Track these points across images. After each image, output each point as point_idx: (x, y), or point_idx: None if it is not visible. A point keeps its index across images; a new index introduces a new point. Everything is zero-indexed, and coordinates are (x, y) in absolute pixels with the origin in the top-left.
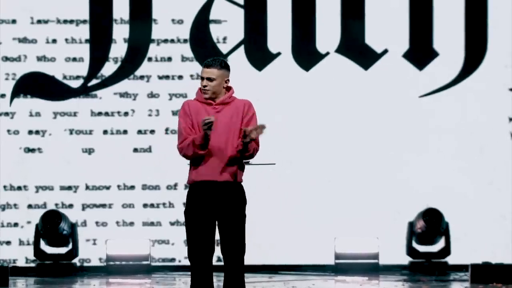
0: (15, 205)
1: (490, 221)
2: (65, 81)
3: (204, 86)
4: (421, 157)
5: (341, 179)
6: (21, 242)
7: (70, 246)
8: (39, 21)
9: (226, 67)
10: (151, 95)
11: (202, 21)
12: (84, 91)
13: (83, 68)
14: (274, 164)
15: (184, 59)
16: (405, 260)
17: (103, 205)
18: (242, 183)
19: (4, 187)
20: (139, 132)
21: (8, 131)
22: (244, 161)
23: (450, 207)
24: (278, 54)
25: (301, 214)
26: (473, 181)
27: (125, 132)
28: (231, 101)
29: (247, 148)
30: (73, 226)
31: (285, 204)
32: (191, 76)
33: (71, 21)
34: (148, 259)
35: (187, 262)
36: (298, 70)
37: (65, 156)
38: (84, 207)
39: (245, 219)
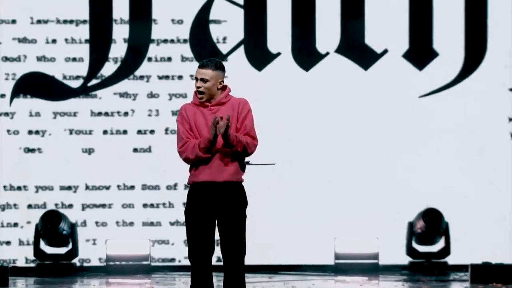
0: (15, 205)
1: (490, 221)
2: (65, 81)
3: (198, 87)
4: (421, 157)
5: (341, 179)
6: (21, 242)
7: (70, 246)
8: (39, 21)
9: (221, 68)
10: (151, 95)
11: (202, 21)
12: (84, 91)
13: (83, 68)
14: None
15: (184, 59)
16: (405, 260)
17: (103, 205)
18: (242, 183)
19: (4, 187)
20: (139, 132)
21: (8, 131)
22: (244, 161)
23: (450, 207)
24: (278, 54)
25: (301, 214)
26: (473, 181)
27: (125, 132)
28: (227, 101)
29: (228, 144)
30: (73, 226)
31: (285, 204)
32: (191, 76)
33: (71, 21)
34: (148, 259)
35: (187, 262)
36: (298, 70)
37: (65, 156)
38: (84, 207)
39: (245, 220)
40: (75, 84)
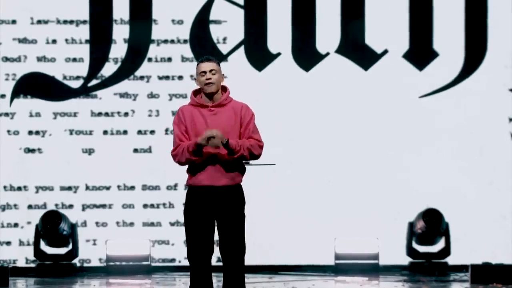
0: (15, 205)
1: (490, 222)
2: (65, 82)
3: (208, 79)
4: (421, 157)
5: (341, 179)
6: (21, 243)
7: (70, 246)
8: (39, 22)
9: (219, 65)
10: (151, 96)
11: (202, 22)
12: (84, 91)
13: (83, 69)
14: (274, 164)
15: (184, 59)
16: (405, 260)
17: (103, 206)
18: (241, 184)
19: (4, 187)
20: (139, 132)
21: (8, 131)
22: (244, 161)
23: (450, 208)
24: (278, 54)
25: (301, 215)
26: (473, 181)
27: (125, 132)
28: (227, 103)
29: (232, 152)
30: (73, 227)
31: (285, 205)
32: (191, 76)
33: (71, 22)
34: (148, 260)
35: (187, 263)
36: (298, 71)
37: (65, 157)
38: (84, 207)
39: (244, 220)
40: (75, 84)
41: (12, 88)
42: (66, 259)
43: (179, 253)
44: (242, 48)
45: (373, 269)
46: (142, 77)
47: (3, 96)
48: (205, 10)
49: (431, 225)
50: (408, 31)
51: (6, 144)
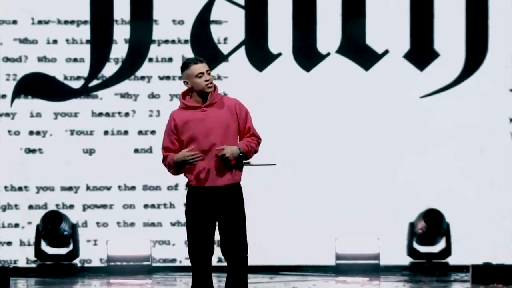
0: (16, 205)
1: (491, 222)
2: (66, 82)
3: (208, 80)
4: (421, 158)
5: (342, 179)
6: (22, 243)
7: (71, 246)
8: (39, 22)
9: None
10: (152, 96)
11: (203, 22)
12: (85, 91)
13: (84, 69)
14: (275, 164)
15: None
16: (406, 260)
17: (104, 206)
18: (240, 183)
19: (5, 187)
20: (140, 132)
21: (9, 131)
22: (244, 161)
23: (451, 208)
24: (279, 54)
25: (302, 215)
26: (474, 181)
27: (126, 132)
28: (218, 100)
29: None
30: (73, 227)
31: (286, 205)
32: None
33: (72, 22)
34: (149, 260)
35: (188, 263)
36: (298, 71)
37: (66, 157)
38: (85, 207)
39: (245, 219)
40: (76, 84)
41: (13, 88)
42: (67, 259)
43: (180, 253)
44: (242, 48)
45: (374, 270)
46: (143, 77)
47: (4, 96)
48: (206, 10)
49: (432, 225)
50: (409, 32)
51: (7, 144)
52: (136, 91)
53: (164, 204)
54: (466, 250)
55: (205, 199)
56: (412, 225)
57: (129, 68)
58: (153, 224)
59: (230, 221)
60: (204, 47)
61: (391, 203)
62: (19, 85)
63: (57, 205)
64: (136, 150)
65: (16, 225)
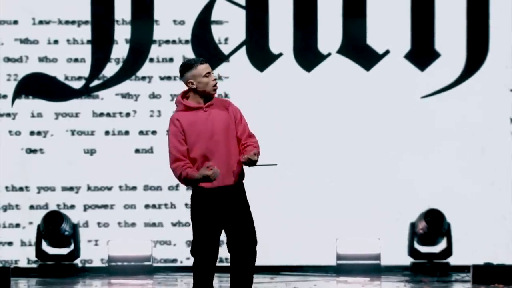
0: (16, 205)
1: (492, 222)
2: (67, 82)
3: (214, 80)
4: (422, 158)
5: (343, 179)
6: (22, 243)
7: (72, 247)
8: (40, 22)
9: None
10: (153, 96)
11: (203, 22)
12: (86, 92)
13: (84, 69)
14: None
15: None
16: (407, 261)
17: (105, 206)
18: (243, 182)
19: (6, 188)
20: (141, 133)
21: (10, 132)
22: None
23: (452, 208)
24: (280, 55)
25: (303, 215)
26: (475, 181)
27: (126, 133)
28: (215, 101)
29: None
30: (74, 227)
31: (286, 205)
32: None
33: (73, 22)
34: (150, 260)
35: (189, 263)
36: (299, 71)
37: (67, 157)
38: (86, 208)
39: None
40: (77, 85)
41: (13, 89)
42: (68, 260)
43: (181, 254)
44: (243, 49)
45: (374, 270)
46: (143, 78)
47: (4, 96)
48: (207, 10)
49: (433, 225)
50: (410, 32)
51: (8, 145)
52: (137, 91)
53: (165, 204)
54: (467, 250)
55: (214, 199)
56: (413, 225)
57: (130, 68)
58: (154, 224)
59: (240, 217)
60: (205, 47)
61: (392, 203)
62: (20, 85)
63: (58, 205)
64: (137, 150)
65: (17, 225)
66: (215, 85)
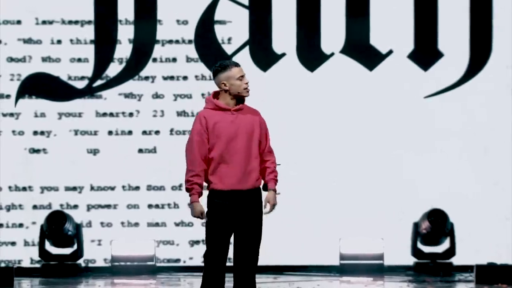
0: (20, 205)
1: (495, 222)
2: (70, 82)
3: (247, 83)
4: (425, 158)
5: (346, 179)
6: (26, 243)
7: (75, 246)
8: (44, 22)
9: None
10: (156, 96)
11: (207, 22)
12: (89, 91)
13: (88, 69)
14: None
15: (189, 59)
16: (410, 261)
17: (108, 206)
18: (260, 188)
19: (9, 187)
20: (144, 132)
21: (13, 131)
22: None
23: (455, 208)
24: (283, 54)
25: (306, 215)
26: (478, 181)
27: (130, 132)
28: (244, 107)
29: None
30: (78, 227)
31: (290, 205)
32: (196, 77)
33: (76, 22)
34: (153, 260)
35: (192, 263)
36: (302, 71)
37: (70, 157)
38: (89, 207)
39: (262, 225)
40: (80, 84)
41: (17, 89)
42: (71, 260)
43: (184, 254)
44: (247, 49)
45: (378, 270)
46: (147, 78)
47: (8, 96)
48: (210, 10)
49: (436, 225)
50: (413, 32)
51: (11, 145)
52: (140, 91)
53: (168, 204)
54: (470, 250)
55: (229, 203)
56: (416, 225)
57: (133, 68)
58: (157, 224)
59: (249, 228)
60: (208, 47)
61: (395, 203)
62: (23, 85)
63: (61, 205)
64: (140, 150)
65: (20, 225)
66: (247, 87)
